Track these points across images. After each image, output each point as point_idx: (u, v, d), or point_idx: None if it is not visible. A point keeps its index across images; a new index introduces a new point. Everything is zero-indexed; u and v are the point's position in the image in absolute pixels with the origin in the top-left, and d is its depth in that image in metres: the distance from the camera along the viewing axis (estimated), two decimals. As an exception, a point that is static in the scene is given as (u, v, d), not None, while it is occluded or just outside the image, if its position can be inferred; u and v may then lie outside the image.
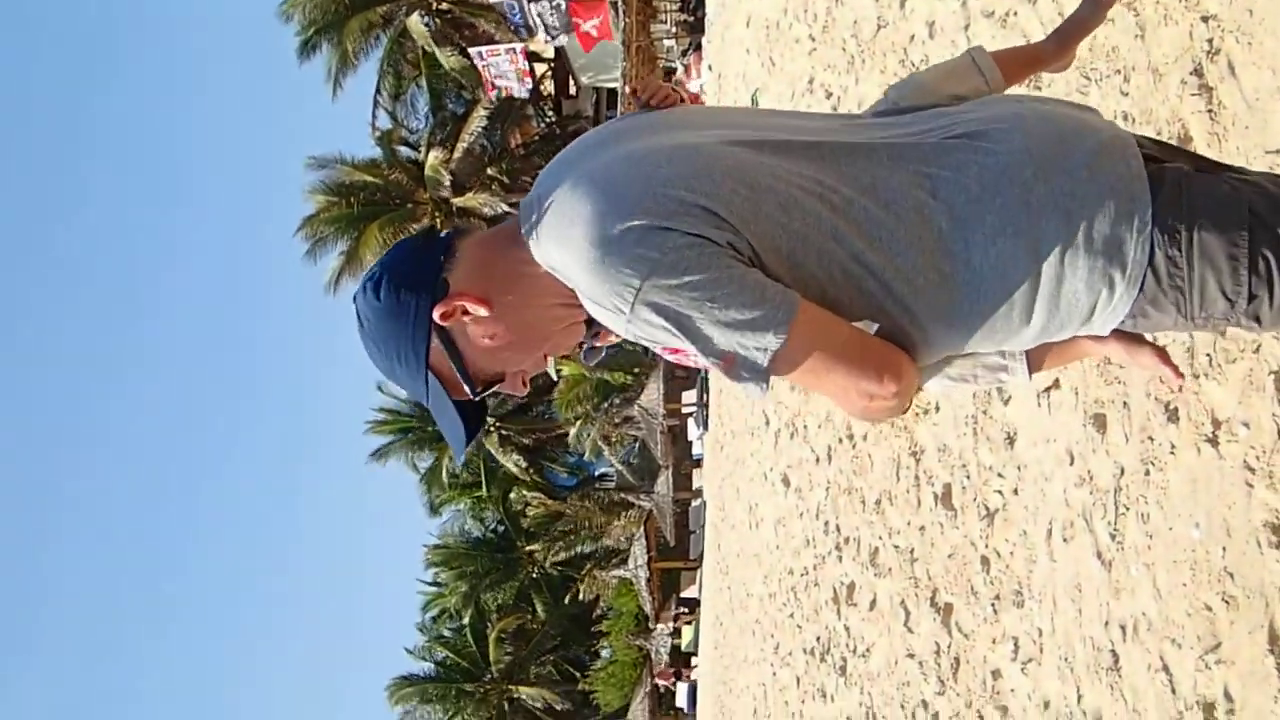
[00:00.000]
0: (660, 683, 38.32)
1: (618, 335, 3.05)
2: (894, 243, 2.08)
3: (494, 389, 2.28)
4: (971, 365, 2.38)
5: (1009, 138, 2.16)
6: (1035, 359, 2.38)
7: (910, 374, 2.09)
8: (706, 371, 36.65)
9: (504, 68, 33.24)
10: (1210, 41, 4.54)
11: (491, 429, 42.19)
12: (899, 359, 2.08)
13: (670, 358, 3.13)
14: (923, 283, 2.08)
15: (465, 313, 2.14)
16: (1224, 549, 4.24)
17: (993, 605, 6.46)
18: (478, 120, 37.07)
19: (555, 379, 40.37)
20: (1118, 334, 2.25)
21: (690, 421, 39.17)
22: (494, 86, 34.41)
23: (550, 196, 2.11)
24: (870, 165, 2.15)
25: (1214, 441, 4.35)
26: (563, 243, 2.05)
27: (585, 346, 3.00)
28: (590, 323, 2.95)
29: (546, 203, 2.12)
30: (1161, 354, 2.28)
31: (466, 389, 2.20)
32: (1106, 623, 5.08)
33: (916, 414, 8.42)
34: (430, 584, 47.79)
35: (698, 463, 39.42)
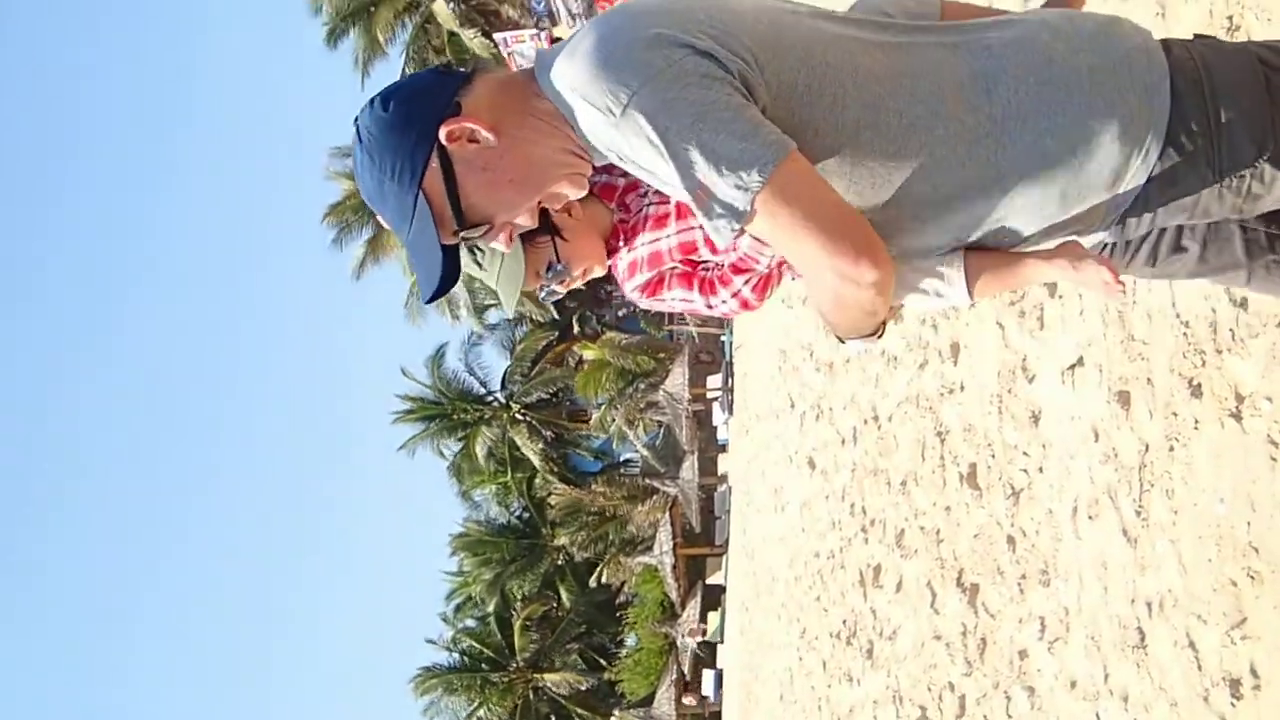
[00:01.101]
0: (690, 641, 38.14)
1: (578, 277, 3.08)
2: (916, 89, 2.10)
3: (479, 233, 2.14)
4: (908, 270, 2.30)
5: (1025, 19, 2.25)
6: (973, 276, 2.28)
7: (889, 268, 2.02)
8: (729, 358, 36.65)
9: (529, 54, 33.20)
10: (1230, 19, 4.54)
11: (518, 419, 42.22)
12: (880, 247, 2.01)
13: (670, 303, 3.10)
14: (945, 131, 2.08)
15: (472, 139, 2.07)
16: (1249, 524, 4.24)
17: (1019, 585, 6.47)
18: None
19: (576, 363, 40.40)
20: (1063, 249, 2.27)
21: (715, 406, 39.16)
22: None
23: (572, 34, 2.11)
24: (892, 34, 2.19)
25: (1238, 416, 4.35)
26: (571, 55, 2.02)
27: (545, 288, 3.03)
28: (551, 268, 2.97)
29: (567, 38, 2.12)
30: (1103, 258, 2.26)
31: (453, 221, 2.09)
32: (1133, 600, 5.08)
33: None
34: (454, 573, 47.83)
35: (723, 447, 39.40)
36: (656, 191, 2.96)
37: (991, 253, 2.29)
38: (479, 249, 2.78)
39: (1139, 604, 5.03)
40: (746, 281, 2.91)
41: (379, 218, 2.18)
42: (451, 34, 37.10)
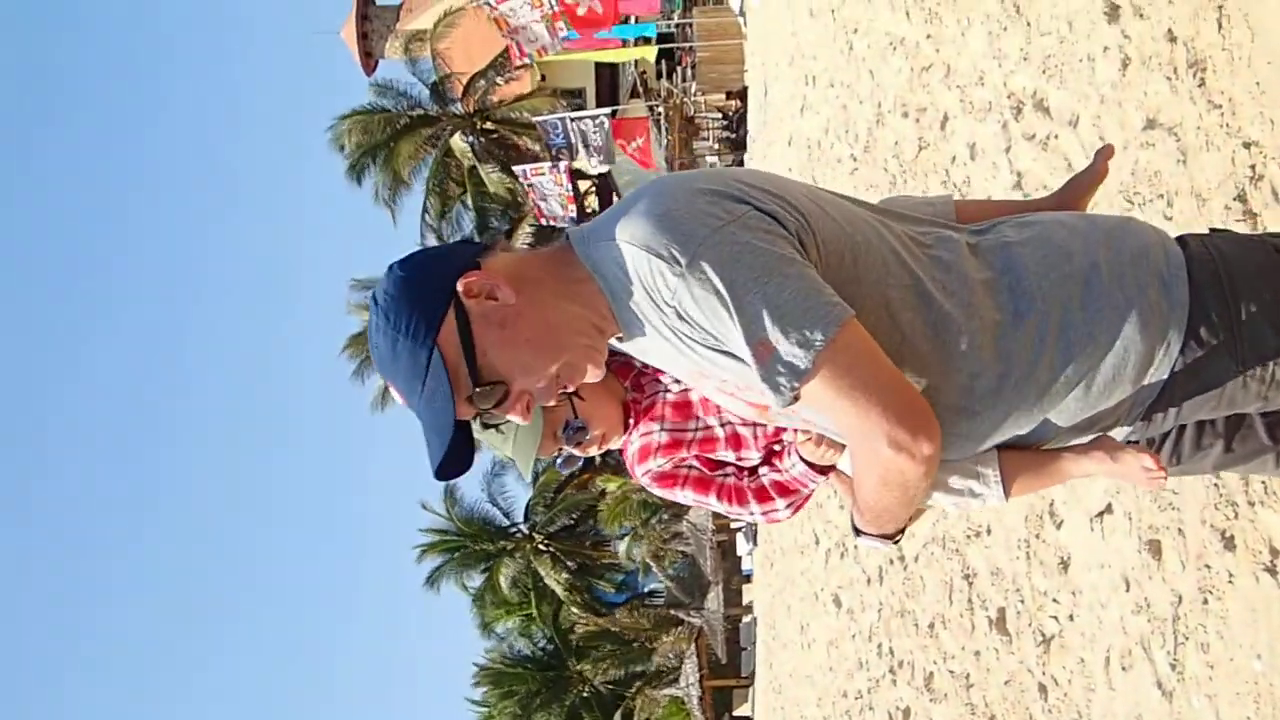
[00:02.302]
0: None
1: (598, 447, 3.03)
2: (947, 283, 2.10)
3: (494, 396, 2.06)
4: (944, 471, 2.30)
5: (1040, 218, 2.27)
6: (1010, 475, 2.29)
7: (939, 446, 2.00)
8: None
9: (548, 187, 33.49)
10: (1253, 167, 4.53)
11: (542, 549, 42.02)
12: (936, 423, 1.99)
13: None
14: (976, 324, 2.08)
15: (491, 295, 2.03)
16: (1288, 682, 4.15)
17: (1052, 734, 6.34)
18: (522, 238, 37.39)
19: (599, 492, 40.24)
20: (1098, 443, 2.24)
21: (739, 536, 38.92)
22: (541, 213, 34.72)
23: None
24: (917, 230, 2.22)
25: (1273, 571, 4.28)
26: (627, 220, 1.99)
27: (564, 454, 2.98)
28: (570, 428, 2.92)
29: (607, 211, 2.10)
30: (1142, 448, 2.24)
31: (468, 379, 2.02)
32: (1170, 755, 4.97)
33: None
34: (478, 703, 47.37)
35: (748, 578, 39.12)
36: (675, 380, 2.93)
37: (1024, 451, 2.27)
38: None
39: (1177, 760, 4.92)
40: (789, 504, 2.86)
41: (391, 389, 2.12)
42: (471, 168, 37.50)
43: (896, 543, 2.31)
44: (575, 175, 35.13)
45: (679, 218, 1.95)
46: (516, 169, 34.19)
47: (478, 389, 2.04)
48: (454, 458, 2.06)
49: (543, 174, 33.52)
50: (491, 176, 36.93)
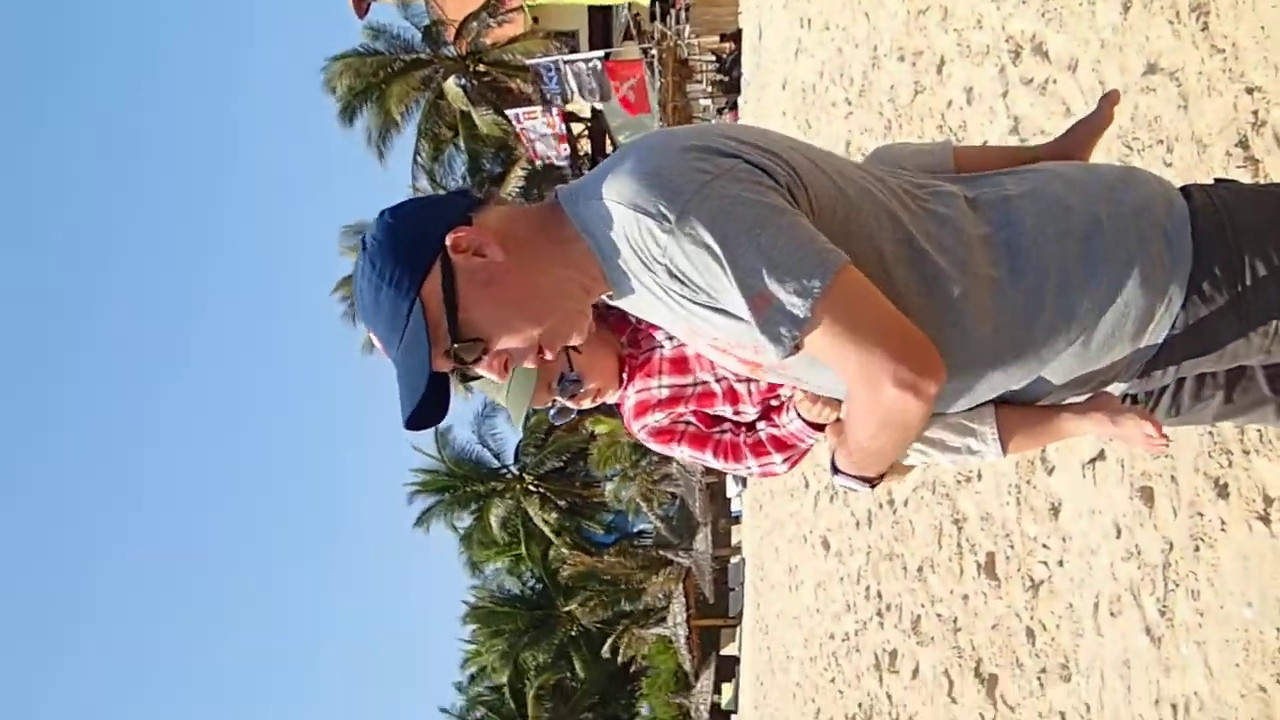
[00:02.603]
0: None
1: (592, 400, 3.01)
2: (942, 240, 2.08)
3: (472, 353, 2.05)
4: (941, 429, 2.29)
5: (1040, 170, 2.26)
6: (1007, 431, 2.27)
7: (942, 386, 1.99)
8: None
9: (541, 130, 33.34)
10: (1255, 113, 4.50)
11: (531, 490, 42.17)
12: (940, 360, 1.98)
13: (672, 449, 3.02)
14: (971, 281, 2.06)
15: (478, 252, 2.02)
16: (1278, 630, 4.16)
17: (1039, 678, 6.36)
18: (515, 181, 37.30)
19: (589, 434, 40.34)
20: (1098, 403, 2.23)
21: (729, 479, 39.05)
22: (535, 154, 34.58)
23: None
24: (912, 186, 2.20)
25: (1266, 519, 4.27)
26: (613, 177, 1.97)
27: (557, 406, 2.96)
28: (565, 381, 2.91)
29: (596, 168, 2.08)
30: (1143, 412, 2.22)
31: (447, 335, 2.00)
32: (1156, 701, 4.98)
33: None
34: (468, 642, 47.72)
35: (736, 519, 39.31)
36: (669, 336, 2.91)
37: (1022, 408, 2.26)
38: None
39: (1163, 705, 4.93)
40: (787, 459, 2.84)
41: (371, 335, 2.10)
42: (464, 112, 37.33)
43: (874, 487, 2.29)
44: (568, 118, 35.01)
45: (666, 174, 1.93)
46: (509, 112, 34.05)
47: (456, 345, 2.02)
48: (425, 411, 2.05)
49: (535, 117, 33.37)
50: (484, 119, 36.77)
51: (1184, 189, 2.23)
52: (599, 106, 34.02)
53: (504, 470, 42.92)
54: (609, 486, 41.74)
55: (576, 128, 39.00)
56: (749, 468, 2.87)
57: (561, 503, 43.15)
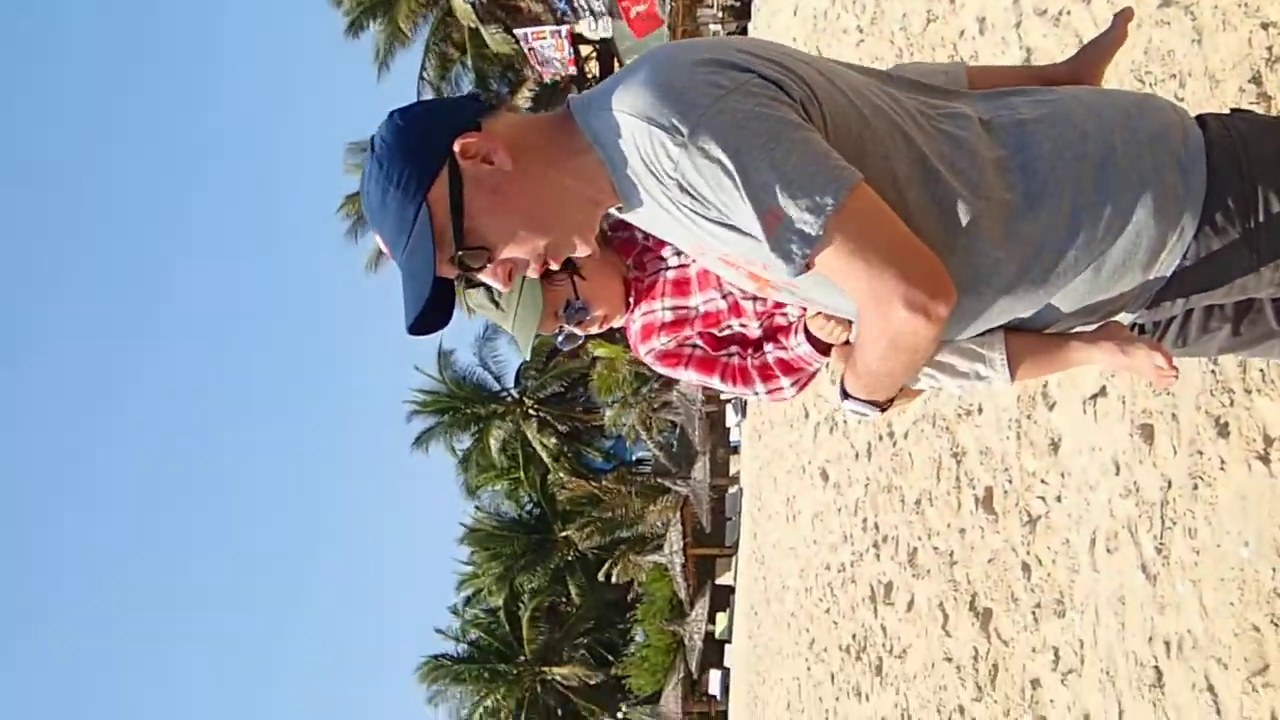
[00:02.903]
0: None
1: (598, 326, 2.98)
2: (956, 161, 2.06)
3: (477, 261, 2.04)
4: (950, 354, 2.28)
5: (1059, 94, 2.22)
6: (1016, 358, 2.25)
7: (952, 310, 1.97)
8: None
9: (549, 52, 33.18)
10: (1270, 49, 4.44)
11: (531, 414, 42.28)
12: (951, 284, 1.96)
13: (684, 376, 2.99)
14: (983, 204, 2.04)
15: (486, 159, 2.00)
16: (1274, 569, 4.15)
17: (1033, 613, 6.38)
18: (522, 101, 37.10)
19: (590, 360, 40.40)
20: (1108, 332, 2.21)
21: (728, 408, 39.17)
22: (544, 74, 34.40)
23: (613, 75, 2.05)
24: (928, 105, 2.17)
25: (1265, 459, 4.26)
26: (626, 88, 1.95)
27: (564, 332, 2.93)
28: (572, 308, 2.87)
29: (610, 78, 2.05)
30: (1153, 343, 2.20)
31: (452, 241, 1.99)
32: (1150, 638, 4.99)
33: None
34: (465, 564, 47.97)
35: (735, 449, 39.44)
36: (676, 254, 2.87)
37: (1031, 335, 2.23)
38: (494, 291, 2.69)
39: (1157, 642, 4.94)
40: (795, 382, 2.80)
41: (377, 238, 2.09)
42: (473, 30, 37.10)
43: (884, 411, 2.27)
44: (577, 40, 34.81)
45: (680, 87, 1.90)
46: (518, 31, 33.87)
47: (461, 252, 2.00)
48: (428, 316, 2.04)
49: (544, 38, 33.23)
50: (494, 37, 36.55)
51: (1200, 118, 2.19)
52: (607, 34, 33.83)
53: (504, 393, 43.02)
54: (608, 413, 41.81)
55: (585, 50, 38.77)
56: (756, 391, 2.84)
57: (561, 428, 43.29)
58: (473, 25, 37.05)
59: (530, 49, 33.39)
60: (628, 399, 40.40)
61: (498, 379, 43.02)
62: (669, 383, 38.99)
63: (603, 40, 38.54)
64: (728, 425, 40.03)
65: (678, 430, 41.14)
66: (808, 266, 1.93)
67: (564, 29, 33.44)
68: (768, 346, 2.82)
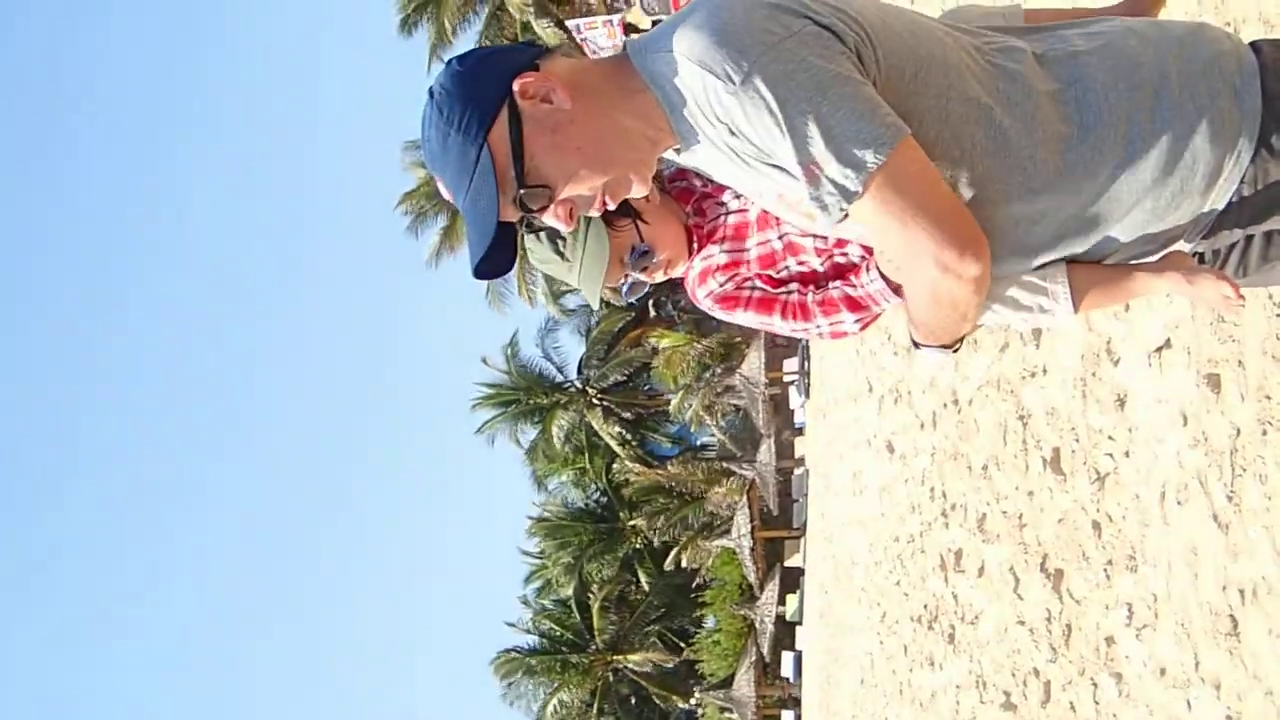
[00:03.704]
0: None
1: (664, 272, 2.98)
2: (1012, 95, 2.07)
3: (538, 200, 2.05)
4: (1013, 287, 2.27)
5: (1110, 25, 2.22)
6: (1079, 289, 2.24)
7: (989, 265, 2.00)
8: (806, 342, 36.51)
9: (601, 42, 33.15)
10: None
11: (595, 403, 42.36)
12: (985, 242, 1.99)
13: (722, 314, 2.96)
14: (1041, 135, 2.05)
15: (545, 99, 2.02)
16: (1347, 510, 4.13)
17: (1105, 571, 6.36)
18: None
19: (651, 349, 40.43)
20: (1172, 261, 2.21)
21: (792, 390, 39.04)
22: (588, 49, 34.39)
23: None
24: (983, 41, 2.18)
25: (1335, 400, 4.24)
26: (682, 31, 1.97)
27: (629, 280, 2.94)
28: (636, 252, 2.87)
29: (669, 19, 2.07)
30: (1219, 273, 2.19)
31: (514, 181, 2.00)
32: (1224, 587, 4.97)
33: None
34: (533, 555, 48.13)
35: (800, 431, 39.31)
36: (737, 198, 2.88)
37: (1095, 266, 2.24)
38: (561, 239, 2.71)
39: (1231, 591, 4.92)
40: (858, 320, 2.80)
41: (439, 183, 2.13)
42: (524, 24, 37.16)
43: (955, 351, 2.29)
44: (628, 29, 34.76)
45: (735, 32, 1.91)
46: (570, 23, 33.84)
47: (523, 191, 2.03)
48: (494, 257, 2.07)
49: (596, 27, 33.17)
50: (546, 30, 36.56)
51: (1254, 44, 2.19)
52: (659, 17, 33.75)
53: (568, 384, 43.12)
54: (672, 399, 41.81)
55: (636, 38, 38.75)
56: (819, 327, 2.81)
57: (625, 415, 43.33)
58: (524, 19, 37.10)
59: (583, 39, 33.35)
60: (691, 385, 40.39)
61: (560, 369, 43.16)
62: (731, 367, 38.97)
63: (654, 26, 38.50)
64: (791, 407, 39.90)
65: (741, 414, 41.11)
66: (844, 218, 1.97)
67: (616, 18, 33.38)
68: (834, 284, 2.81)
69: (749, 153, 2.00)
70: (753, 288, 2.88)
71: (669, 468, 41.57)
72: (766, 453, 37.76)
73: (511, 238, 2.11)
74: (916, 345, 2.31)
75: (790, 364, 38.67)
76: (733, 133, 1.97)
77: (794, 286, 2.85)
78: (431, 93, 2.07)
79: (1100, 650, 6.40)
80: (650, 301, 44.41)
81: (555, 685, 42.93)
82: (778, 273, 2.85)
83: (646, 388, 44.87)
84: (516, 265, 2.19)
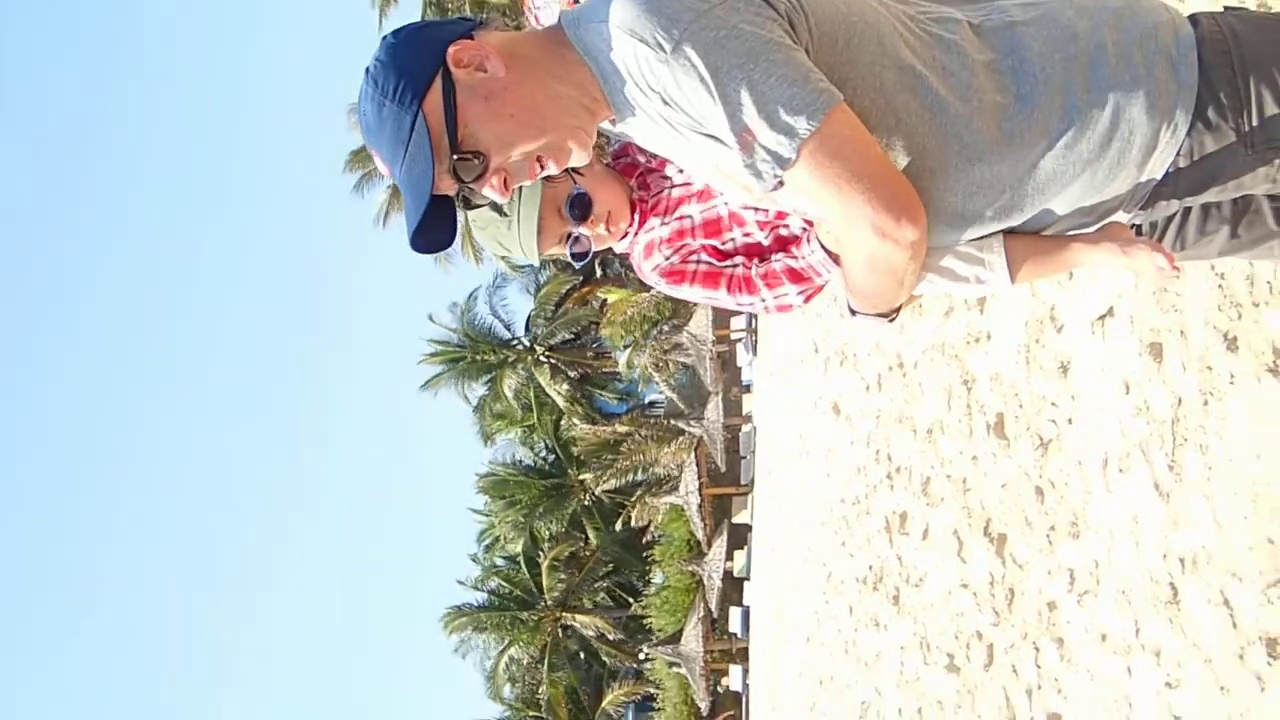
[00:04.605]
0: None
1: (606, 227, 2.94)
2: (947, 64, 2.07)
3: (474, 170, 2.05)
4: (950, 258, 2.28)
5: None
6: (1016, 260, 2.26)
7: (924, 231, 2.01)
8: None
9: (548, 5, 32.94)
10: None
11: (542, 360, 42.32)
12: (921, 208, 2.00)
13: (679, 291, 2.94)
14: (975, 107, 2.05)
15: (480, 67, 2.02)
16: (1286, 481, 4.16)
17: (1048, 536, 6.39)
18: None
19: (599, 305, 40.37)
20: (1109, 233, 2.22)
21: (739, 347, 39.12)
22: (539, 21, 34.18)
23: None
24: (917, 9, 2.17)
25: (1275, 371, 4.26)
26: (614, 2, 1.95)
27: (573, 236, 2.89)
28: (574, 198, 2.84)
29: None
30: (1154, 243, 2.21)
31: (449, 150, 2.00)
32: (1165, 555, 5.00)
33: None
34: (482, 513, 48.16)
35: (748, 388, 39.41)
36: (680, 171, 2.85)
37: (1032, 237, 2.24)
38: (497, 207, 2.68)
39: (1172, 560, 4.95)
40: (801, 292, 2.77)
41: (376, 158, 2.11)
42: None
43: (892, 320, 2.29)
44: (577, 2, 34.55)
45: (664, 1, 1.91)
46: (521, -8, 33.56)
47: (457, 158, 2.02)
48: (432, 230, 2.07)
49: (551, 4, 32.94)
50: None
51: (1192, 17, 2.19)
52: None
53: (515, 341, 43.05)
54: (620, 357, 41.80)
55: (583, -4, 38.55)
56: (763, 300, 2.79)
57: (573, 373, 43.33)
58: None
59: (538, 8, 33.16)
60: (639, 342, 40.38)
61: (508, 326, 43.08)
62: (679, 324, 38.97)
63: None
64: (739, 365, 39.99)
65: (689, 371, 41.13)
66: (779, 185, 1.97)
67: (567, -14, 33.16)
68: (777, 256, 2.78)
69: (683, 122, 2.00)
70: (698, 261, 2.86)
71: (617, 426, 41.58)
72: (714, 410, 37.79)
73: (450, 214, 2.11)
74: (854, 313, 2.31)
75: (738, 322, 38.72)
76: (666, 102, 1.97)
77: (739, 260, 2.83)
78: (367, 69, 2.07)
79: (1042, 615, 6.44)
80: (598, 261, 44.38)
81: (505, 641, 43.05)
82: (723, 244, 2.83)
83: (595, 345, 44.84)
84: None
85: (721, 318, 38.53)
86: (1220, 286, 4.61)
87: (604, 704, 43.33)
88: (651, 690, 43.62)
